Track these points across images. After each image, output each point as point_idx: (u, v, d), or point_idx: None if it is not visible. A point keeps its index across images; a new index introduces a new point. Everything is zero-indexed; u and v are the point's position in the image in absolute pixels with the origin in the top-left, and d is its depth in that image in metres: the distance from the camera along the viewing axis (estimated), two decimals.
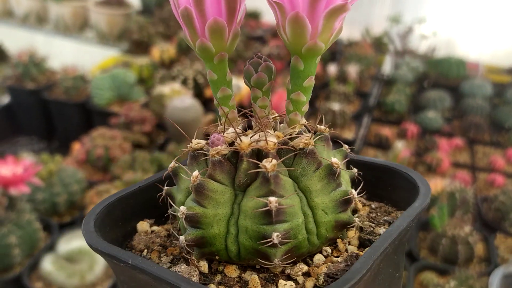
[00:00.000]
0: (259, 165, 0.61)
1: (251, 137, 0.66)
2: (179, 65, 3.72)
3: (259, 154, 0.65)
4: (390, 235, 0.61)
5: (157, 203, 0.74)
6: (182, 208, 0.62)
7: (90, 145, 2.66)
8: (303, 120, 0.70)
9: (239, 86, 3.24)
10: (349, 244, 0.70)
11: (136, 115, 2.98)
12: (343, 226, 0.67)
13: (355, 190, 0.69)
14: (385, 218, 0.76)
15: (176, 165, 0.71)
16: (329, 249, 0.68)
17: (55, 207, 2.34)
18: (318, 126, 0.72)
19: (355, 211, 0.77)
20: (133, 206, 0.76)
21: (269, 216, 0.60)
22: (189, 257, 0.65)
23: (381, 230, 0.71)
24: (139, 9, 5.39)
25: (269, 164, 0.60)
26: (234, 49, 0.70)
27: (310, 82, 0.67)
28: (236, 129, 0.67)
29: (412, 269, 2.22)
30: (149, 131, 2.99)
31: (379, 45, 4.85)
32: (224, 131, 0.68)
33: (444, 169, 3.03)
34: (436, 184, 2.68)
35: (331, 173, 0.65)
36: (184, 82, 3.47)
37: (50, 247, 2.12)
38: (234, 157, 0.65)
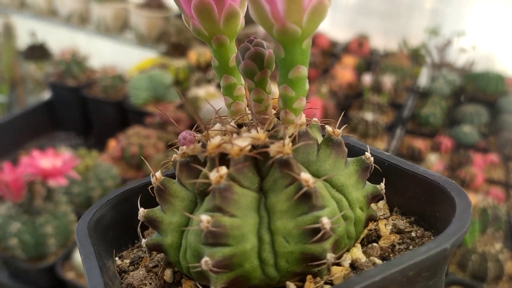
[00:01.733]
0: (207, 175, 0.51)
1: (243, 135, 0.56)
2: None
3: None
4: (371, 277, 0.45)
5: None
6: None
7: (125, 143, 2.73)
8: (301, 120, 0.58)
9: (273, 92, 3.26)
10: (327, 284, 0.53)
11: (171, 116, 3.04)
12: (313, 260, 0.51)
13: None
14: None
15: (163, 176, 0.60)
16: (293, 286, 0.53)
17: (89, 201, 2.41)
18: (327, 127, 0.60)
19: (378, 237, 0.62)
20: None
21: (204, 237, 0.49)
22: None
23: None
24: (178, 13, 5.50)
25: (214, 174, 0.51)
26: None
27: (298, 73, 0.54)
28: (228, 125, 0.58)
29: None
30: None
31: (416, 56, 4.79)
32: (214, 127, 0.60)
33: (478, 185, 2.98)
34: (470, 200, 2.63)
35: (302, 193, 0.50)
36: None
37: None
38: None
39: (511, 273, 2.30)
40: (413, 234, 0.62)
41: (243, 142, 0.53)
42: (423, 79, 4.73)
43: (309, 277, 0.53)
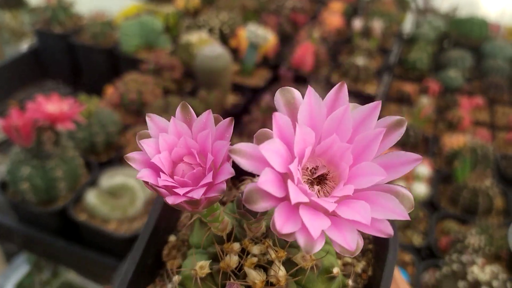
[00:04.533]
0: None
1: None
2: (204, 14, 3.73)
3: None
4: None
5: None
6: None
7: (124, 89, 2.73)
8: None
9: (266, 37, 3.26)
10: None
11: (166, 61, 3.03)
12: None
13: None
14: None
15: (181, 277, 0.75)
16: None
17: (93, 147, 2.43)
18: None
19: None
20: None
21: None
22: None
23: None
24: None
25: None
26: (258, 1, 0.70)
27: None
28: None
29: (433, 217, 2.33)
30: (178, 78, 3.05)
31: (401, 2, 4.81)
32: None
33: (465, 126, 3.11)
34: (458, 139, 2.76)
35: None
36: (210, 32, 3.50)
37: (92, 183, 2.23)
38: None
39: (499, 207, 2.46)
40: None
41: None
42: (408, 25, 4.78)
43: None
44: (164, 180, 0.59)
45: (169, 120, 0.64)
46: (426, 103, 3.04)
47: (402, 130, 0.56)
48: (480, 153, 2.63)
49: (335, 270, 0.72)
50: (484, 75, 3.76)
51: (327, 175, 0.57)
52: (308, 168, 0.57)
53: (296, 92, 0.57)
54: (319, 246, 0.51)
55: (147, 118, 0.64)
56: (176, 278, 0.75)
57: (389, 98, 3.43)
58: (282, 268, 0.70)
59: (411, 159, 0.54)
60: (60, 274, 3.08)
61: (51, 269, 3.14)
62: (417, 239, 2.26)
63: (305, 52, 3.42)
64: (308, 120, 0.55)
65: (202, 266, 0.71)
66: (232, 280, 0.70)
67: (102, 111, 2.47)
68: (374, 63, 3.63)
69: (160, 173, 0.60)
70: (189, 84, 3.16)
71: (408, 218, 0.52)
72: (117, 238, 2.04)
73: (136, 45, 3.36)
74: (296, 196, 0.50)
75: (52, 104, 2.05)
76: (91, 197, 2.11)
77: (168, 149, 0.62)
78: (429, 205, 2.44)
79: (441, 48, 4.20)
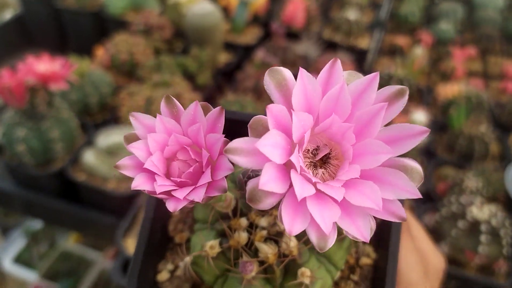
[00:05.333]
0: None
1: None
2: None
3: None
4: None
5: None
6: None
7: (114, 50, 2.68)
8: None
9: None
10: None
11: (155, 22, 2.97)
12: None
13: None
14: None
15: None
16: None
17: (87, 108, 2.40)
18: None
19: None
20: None
21: None
22: None
23: None
24: None
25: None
26: None
27: None
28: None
29: (431, 164, 2.35)
30: (169, 38, 3.00)
31: None
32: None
33: (458, 77, 3.11)
34: (453, 89, 2.76)
35: None
36: None
37: (88, 143, 2.21)
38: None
39: (495, 152, 2.49)
40: None
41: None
42: None
43: None
44: (161, 185, 0.56)
45: (154, 117, 0.59)
46: (419, 53, 3.03)
47: (404, 100, 0.52)
48: (475, 101, 2.64)
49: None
50: (476, 26, 3.74)
51: (329, 154, 0.55)
52: (309, 150, 0.54)
53: (286, 72, 0.53)
54: (332, 241, 0.49)
55: (131, 118, 0.59)
56: (188, 259, 0.74)
57: (381, 52, 3.41)
58: (292, 238, 0.69)
59: (417, 132, 0.50)
60: (58, 245, 3.09)
61: (48, 240, 3.14)
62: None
63: (296, 8, 3.37)
64: (304, 103, 0.52)
65: (212, 246, 0.69)
66: (244, 258, 0.68)
67: (95, 72, 2.43)
68: (366, 17, 3.59)
69: (156, 176, 0.57)
70: (180, 44, 3.11)
71: (420, 196, 0.49)
72: (117, 196, 2.04)
73: (123, 7, 3.28)
74: (301, 191, 0.47)
75: (44, 64, 2.01)
76: (90, 157, 2.09)
77: (160, 148, 0.59)
78: (426, 152, 2.46)
79: (432, 1, 4.16)
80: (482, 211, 1.82)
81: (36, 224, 3.10)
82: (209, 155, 0.57)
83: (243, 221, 0.71)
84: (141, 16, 3.04)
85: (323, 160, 0.54)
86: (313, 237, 0.48)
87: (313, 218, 0.47)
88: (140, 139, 0.59)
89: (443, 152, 2.50)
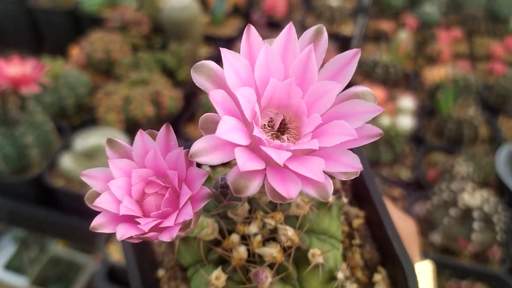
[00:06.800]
0: None
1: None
2: None
3: None
4: None
5: None
6: None
7: (90, 49, 2.59)
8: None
9: None
10: None
11: (132, 17, 2.88)
12: None
13: None
14: None
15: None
16: None
17: (63, 110, 2.31)
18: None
19: None
20: None
21: None
22: None
23: None
24: None
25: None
26: None
27: None
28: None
29: (420, 151, 2.30)
30: (146, 33, 2.91)
31: None
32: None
33: (444, 59, 3.05)
34: (439, 72, 2.71)
35: None
36: None
37: (65, 147, 2.13)
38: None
39: (484, 135, 2.44)
40: None
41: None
42: None
43: None
44: (145, 224, 0.53)
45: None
46: (404, 37, 2.97)
47: (325, 37, 0.54)
48: (462, 84, 2.59)
49: (330, 199, 0.70)
50: (460, 7, 3.68)
51: (285, 120, 0.55)
52: (265, 124, 0.54)
53: (210, 63, 0.52)
54: (330, 188, 0.49)
55: (83, 178, 0.56)
56: None
57: (366, 38, 3.35)
58: (287, 227, 0.69)
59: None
60: (47, 250, 3.01)
61: (38, 245, 3.07)
62: (405, 174, 2.23)
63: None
64: (238, 80, 0.51)
65: (217, 276, 0.67)
66: (253, 270, 0.67)
67: (70, 73, 2.34)
68: (348, 3, 3.52)
69: (137, 219, 0.54)
70: (159, 39, 3.02)
71: (380, 109, 0.50)
72: None
73: (98, 3, 3.19)
74: (280, 157, 0.48)
75: (14, 67, 1.92)
76: (67, 161, 2.01)
77: (127, 192, 0.56)
78: (415, 139, 2.41)
79: None
80: (474, 197, 1.77)
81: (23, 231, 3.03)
82: (177, 172, 0.55)
83: (235, 237, 0.70)
84: (117, 12, 2.95)
85: (282, 128, 0.55)
86: (312, 192, 0.48)
87: (303, 177, 0.48)
88: (101, 194, 0.55)
89: (432, 137, 2.45)
